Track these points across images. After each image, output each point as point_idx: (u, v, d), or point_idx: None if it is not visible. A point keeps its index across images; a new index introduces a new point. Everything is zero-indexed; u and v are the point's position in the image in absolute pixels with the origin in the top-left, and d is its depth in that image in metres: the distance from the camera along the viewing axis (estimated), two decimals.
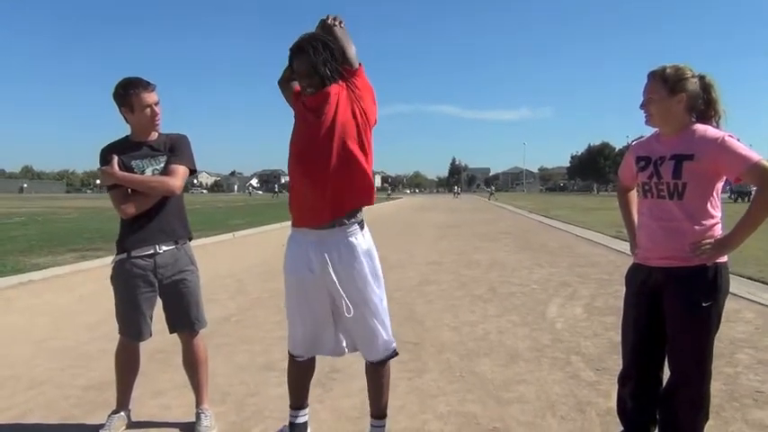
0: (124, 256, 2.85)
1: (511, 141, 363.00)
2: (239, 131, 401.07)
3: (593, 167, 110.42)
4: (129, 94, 2.80)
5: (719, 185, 2.34)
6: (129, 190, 2.81)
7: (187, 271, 2.95)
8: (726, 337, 4.39)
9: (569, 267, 8.62)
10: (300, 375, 2.72)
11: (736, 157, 2.22)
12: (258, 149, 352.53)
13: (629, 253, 2.70)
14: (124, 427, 2.95)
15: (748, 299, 5.92)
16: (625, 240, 3.66)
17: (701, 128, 2.33)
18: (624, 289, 2.63)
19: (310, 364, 2.72)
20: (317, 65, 2.40)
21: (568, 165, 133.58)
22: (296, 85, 2.65)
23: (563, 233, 15.34)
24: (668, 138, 2.39)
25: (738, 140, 2.26)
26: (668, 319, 2.37)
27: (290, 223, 2.63)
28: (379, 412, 2.67)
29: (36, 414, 3.18)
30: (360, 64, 2.54)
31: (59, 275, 8.02)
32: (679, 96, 2.31)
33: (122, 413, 2.97)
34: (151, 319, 2.93)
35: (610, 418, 2.94)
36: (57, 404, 3.32)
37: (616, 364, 3.14)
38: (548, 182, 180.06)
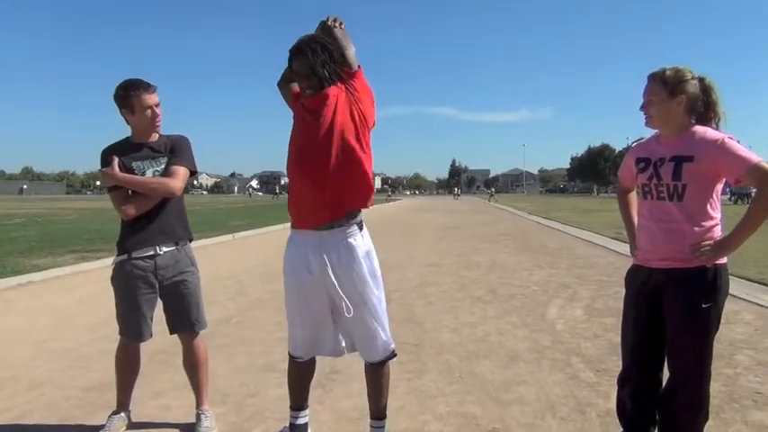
0: (125, 257, 2.86)
1: (511, 143, 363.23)
2: (239, 132, 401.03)
3: (593, 169, 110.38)
4: (129, 95, 2.81)
5: (719, 187, 2.35)
6: (130, 191, 2.82)
7: (187, 272, 2.95)
8: (725, 338, 4.40)
9: (569, 269, 8.63)
10: (301, 376, 2.72)
11: (736, 159, 2.22)
12: (258, 150, 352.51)
13: (629, 254, 2.71)
14: (124, 428, 2.95)
15: (748, 300, 5.93)
16: (624, 242, 3.67)
17: (700, 129, 2.34)
18: (624, 290, 2.63)
19: (310, 365, 2.73)
20: (315, 66, 2.40)
21: (568, 166, 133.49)
22: (295, 87, 2.65)
23: (563, 234, 15.34)
24: (668, 139, 2.39)
25: (738, 142, 2.27)
26: (668, 321, 2.38)
27: (289, 225, 2.64)
28: (378, 413, 2.68)
29: (36, 415, 3.19)
30: (359, 66, 2.54)
31: (59, 277, 8.03)
32: (679, 98, 2.31)
33: (123, 414, 2.98)
34: (151, 320, 2.94)
35: (609, 418, 2.95)
36: (57, 405, 3.32)
37: (616, 365, 3.15)
38: (548, 183, 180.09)
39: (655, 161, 2.40)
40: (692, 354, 2.34)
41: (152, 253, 2.85)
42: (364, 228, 2.57)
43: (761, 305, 5.75)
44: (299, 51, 2.43)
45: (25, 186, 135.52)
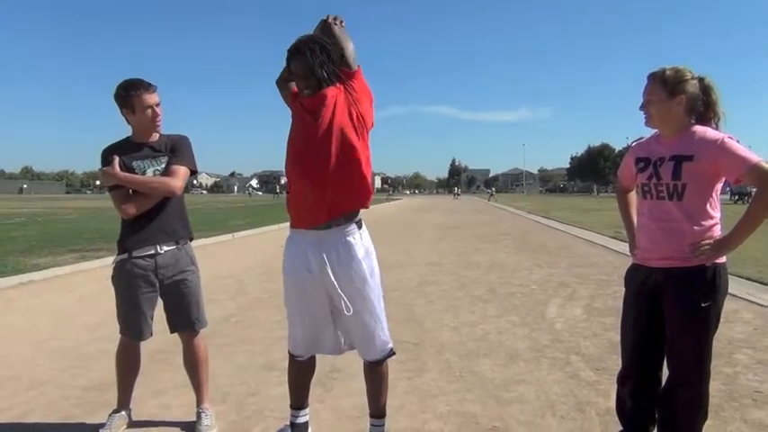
0: (125, 256, 2.86)
1: (510, 142, 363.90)
2: (239, 132, 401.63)
3: (593, 169, 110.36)
4: (130, 95, 2.81)
5: (719, 186, 2.36)
6: (131, 190, 2.82)
7: (188, 271, 2.96)
8: (724, 337, 4.41)
9: (568, 268, 8.63)
10: (301, 375, 2.73)
11: (736, 159, 2.23)
12: (258, 150, 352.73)
13: (628, 253, 2.71)
14: (125, 427, 2.96)
15: (747, 299, 5.94)
16: (624, 241, 3.68)
17: (700, 129, 2.34)
18: (623, 289, 2.64)
19: (310, 363, 2.73)
20: (313, 67, 2.40)
21: (568, 166, 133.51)
22: (294, 86, 2.66)
23: (562, 234, 15.35)
24: (668, 139, 2.40)
25: (738, 142, 2.27)
26: (667, 320, 2.38)
27: (288, 224, 2.64)
28: (378, 412, 2.68)
29: (36, 414, 3.19)
30: (358, 66, 2.53)
31: (60, 276, 8.03)
32: (679, 98, 2.32)
33: (123, 412, 2.98)
34: (152, 318, 2.94)
35: (609, 417, 2.95)
36: (57, 404, 3.33)
37: (615, 364, 3.15)
38: (547, 183, 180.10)
39: (654, 161, 2.40)
40: (691, 353, 2.35)
41: (152, 252, 2.86)
42: (363, 226, 2.58)
43: (760, 304, 5.75)
44: (298, 51, 2.43)
45: (25, 186, 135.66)
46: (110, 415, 2.95)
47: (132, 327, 2.91)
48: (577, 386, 3.55)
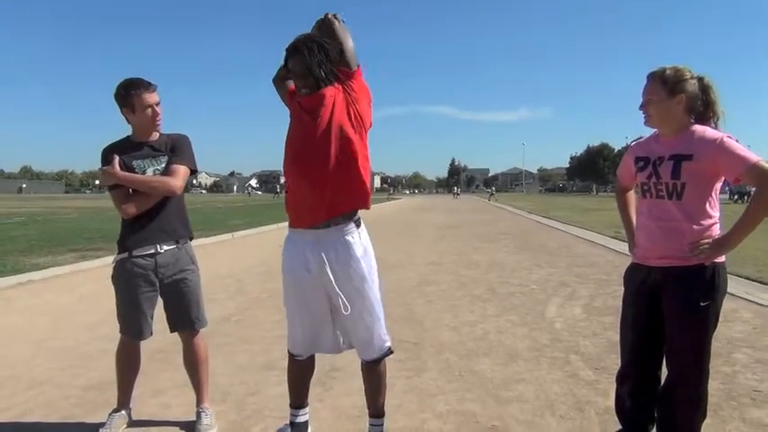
0: (125, 255, 2.87)
1: (510, 142, 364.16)
2: (238, 132, 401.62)
3: (593, 168, 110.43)
4: (130, 94, 2.81)
5: (718, 186, 2.36)
6: (131, 190, 2.82)
7: (188, 270, 2.96)
8: (724, 336, 4.41)
9: (568, 267, 8.64)
10: (300, 374, 2.73)
11: (735, 158, 2.23)
12: (257, 150, 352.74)
13: (628, 253, 2.72)
14: (125, 426, 2.96)
15: (746, 299, 5.94)
16: (623, 241, 3.68)
17: (699, 129, 2.34)
18: (623, 289, 2.64)
19: (310, 362, 2.73)
20: (311, 66, 2.39)
21: (567, 165, 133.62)
22: (291, 84, 2.66)
23: (562, 234, 15.35)
24: (667, 138, 2.40)
25: (737, 141, 2.28)
26: (667, 319, 2.38)
27: (287, 224, 2.64)
28: (376, 411, 2.68)
29: (36, 414, 3.19)
30: (358, 65, 2.52)
31: (59, 275, 8.03)
32: (678, 97, 2.32)
33: (123, 412, 2.98)
34: (152, 318, 2.94)
35: (608, 416, 2.96)
36: (57, 404, 3.33)
37: (614, 363, 3.16)
38: (547, 182, 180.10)
39: (654, 160, 2.41)
40: (690, 352, 2.35)
41: (152, 251, 2.86)
42: (362, 225, 2.58)
43: (759, 304, 5.76)
44: (296, 50, 2.42)
45: (24, 185, 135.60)
46: (110, 414, 2.95)
47: (132, 326, 2.91)
48: (577, 385, 3.55)
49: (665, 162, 2.35)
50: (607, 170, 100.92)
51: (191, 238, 3.07)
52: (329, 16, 2.50)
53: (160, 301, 2.95)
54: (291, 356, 2.70)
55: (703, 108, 2.39)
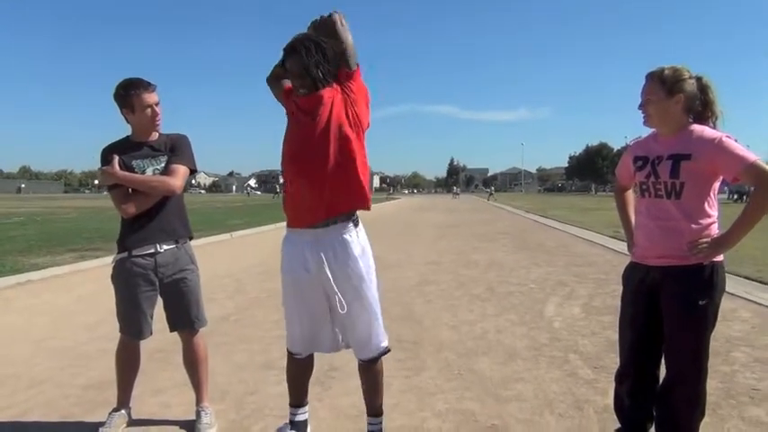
0: (125, 255, 2.87)
1: (509, 142, 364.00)
2: (237, 132, 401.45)
3: (592, 168, 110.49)
4: (129, 94, 2.81)
5: (717, 185, 2.37)
6: (130, 190, 2.83)
7: (187, 270, 2.96)
8: (722, 335, 4.42)
9: (567, 267, 8.65)
10: (299, 373, 2.73)
11: (733, 158, 2.24)
12: (256, 150, 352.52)
13: (627, 252, 2.72)
14: (125, 425, 2.96)
15: (745, 298, 5.95)
16: (622, 240, 3.70)
17: (698, 128, 2.35)
18: (621, 288, 2.65)
19: (309, 361, 2.74)
20: (308, 66, 2.39)
21: (566, 165, 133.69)
22: (286, 83, 2.65)
23: (560, 233, 15.36)
24: (666, 138, 2.41)
25: (736, 141, 2.29)
26: (665, 318, 2.39)
27: (285, 224, 2.65)
28: (374, 410, 2.68)
29: (36, 413, 3.20)
30: (357, 66, 2.51)
31: (58, 275, 8.03)
32: (677, 97, 2.33)
33: (123, 411, 2.99)
34: (152, 317, 2.95)
35: (607, 415, 2.96)
36: (57, 403, 3.33)
37: (613, 362, 3.16)
38: (546, 182, 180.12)
39: (652, 159, 2.42)
40: (689, 351, 2.36)
41: (152, 251, 2.86)
42: (360, 224, 2.58)
43: (758, 303, 5.77)
44: (293, 50, 2.42)
45: (23, 185, 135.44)
46: (109, 413, 2.95)
47: (132, 325, 2.92)
48: (575, 384, 3.56)
49: (663, 161, 2.36)
50: (606, 170, 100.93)
51: (190, 238, 3.07)
52: (334, 16, 2.47)
53: (160, 301, 2.96)
54: (290, 355, 2.70)
55: (702, 108, 2.39)
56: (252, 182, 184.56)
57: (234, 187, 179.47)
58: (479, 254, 10.52)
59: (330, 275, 2.46)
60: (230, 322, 5.31)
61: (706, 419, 2.48)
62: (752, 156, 2.23)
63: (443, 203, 46.44)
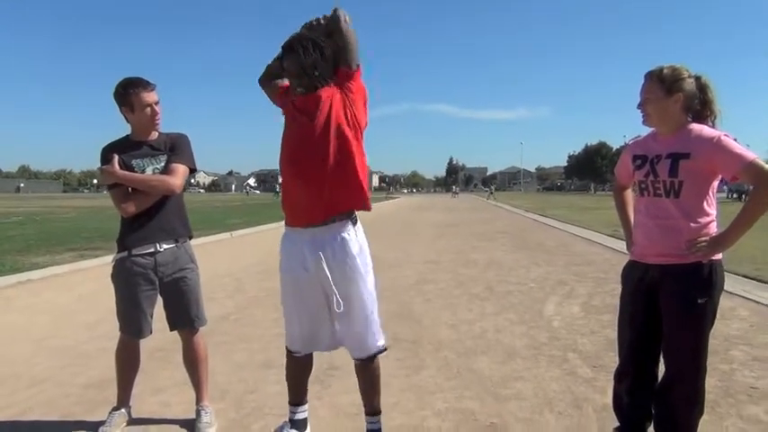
0: (125, 254, 2.87)
1: (508, 141, 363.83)
2: (237, 131, 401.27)
3: (591, 167, 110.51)
4: (129, 93, 2.82)
5: (715, 184, 2.37)
6: (130, 189, 2.83)
7: (187, 269, 2.97)
8: (721, 334, 4.43)
9: (566, 266, 8.65)
10: (299, 371, 2.74)
11: (732, 156, 2.25)
12: (255, 149, 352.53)
13: (626, 251, 2.73)
14: (125, 424, 2.97)
15: (744, 297, 5.96)
16: (621, 239, 3.70)
17: (697, 127, 2.36)
18: (620, 287, 2.65)
19: (308, 359, 2.74)
20: (306, 66, 2.39)
21: (566, 164, 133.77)
22: (279, 83, 2.65)
23: (560, 232, 15.37)
24: (665, 137, 2.41)
25: (735, 140, 2.29)
26: (664, 317, 2.40)
27: (284, 222, 2.65)
28: (372, 409, 2.68)
29: (36, 412, 3.20)
30: (358, 66, 2.49)
31: (58, 275, 8.03)
32: (676, 96, 2.33)
33: (123, 410, 2.99)
34: (151, 316, 2.95)
35: (606, 413, 2.97)
36: (57, 402, 3.33)
37: (612, 360, 3.17)
38: (545, 181, 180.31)
39: (651, 158, 2.42)
40: (688, 349, 2.37)
41: (152, 250, 2.87)
42: (358, 223, 2.58)
43: (757, 302, 5.78)
44: (291, 49, 2.41)
45: (22, 185, 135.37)
46: (110, 412, 2.96)
47: (132, 324, 2.92)
48: (575, 383, 3.57)
49: (662, 160, 2.37)
50: (605, 169, 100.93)
51: (190, 237, 3.07)
52: (339, 10, 2.43)
53: (160, 300, 2.96)
54: (289, 353, 2.71)
55: (700, 107, 2.40)
56: (251, 181, 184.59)
57: (233, 186, 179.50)
58: (478, 253, 10.52)
59: (329, 274, 2.46)
60: (230, 321, 5.32)
61: (704, 417, 2.49)
62: (750, 154, 2.24)
63: (442, 203, 46.43)
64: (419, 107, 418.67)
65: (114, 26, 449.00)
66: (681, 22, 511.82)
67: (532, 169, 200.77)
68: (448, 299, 6.27)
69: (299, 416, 2.75)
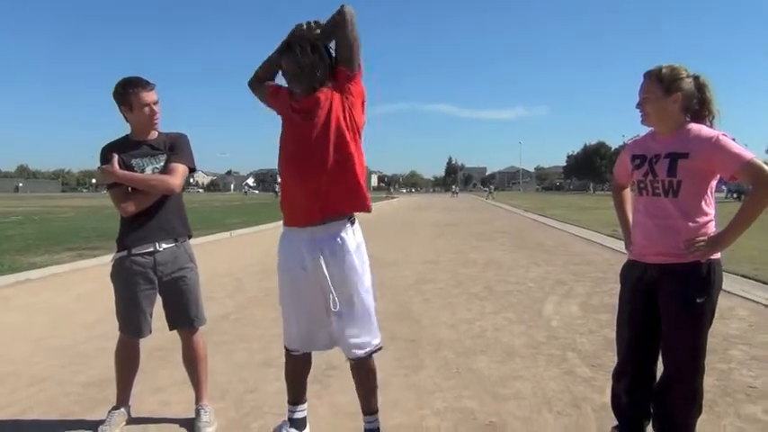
0: (124, 253, 2.88)
1: (507, 140, 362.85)
2: (236, 131, 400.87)
3: (590, 167, 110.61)
4: (128, 92, 2.82)
5: (713, 183, 2.38)
6: (130, 188, 2.83)
7: (186, 268, 2.97)
8: (719, 333, 4.44)
9: (565, 266, 8.66)
10: (298, 370, 2.74)
11: (730, 156, 2.25)
12: (254, 149, 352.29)
13: (624, 251, 2.74)
14: (124, 423, 2.97)
15: (742, 296, 5.97)
16: (620, 239, 3.71)
17: (695, 127, 2.36)
18: (619, 286, 2.66)
19: (307, 358, 2.74)
20: (304, 66, 2.38)
21: (565, 164, 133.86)
22: (271, 85, 2.64)
23: (559, 232, 15.38)
24: (664, 136, 2.42)
25: (734, 140, 2.30)
26: (663, 316, 2.40)
27: (282, 222, 2.65)
28: (369, 408, 2.67)
29: (36, 411, 3.20)
30: (359, 67, 2.47)
31: (57, 274, 8.03)
32: (674, 96, 2.34)
33: (122, 409, 3.00)
34: (151, 316, 2.96)
35: (604, 413, 2.98)
36: (57, 401, 3.34)
37: (611, 360, 3.18)
38: (544, 181, 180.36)
39: (650, 158, 2.43)
40: (686, 348, 2.37)
41: (151, 249, 2.87)
42: (356, 223, 2.58)
43: (755, 301, 5.79)
44: (289, 49, 2.40)
45: (21, 184, 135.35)
46: (109, 412, 2.96)
47: (131, 324, 2.92)
48: (573, 382, 3.57)
49: (661, 160, 2.38)
50: (604, 169, 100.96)
51: (189, 237, 3.08)
52: (347, 9, 2.37)
53: (159, 299, 2.96)
54: (288, 352, 2.71)
55: (699, 106, 2.41)
56: (250, 180, 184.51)
57: (232, 186, 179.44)
58: (478, 253, 10.53)
59: (326, 273, 2.46)
60: (230, 321, 5.32)
61: (703, 416, 2.50)
62: (748, 154, 2.25)
63: (441, 202, 46.43)
64: (419, 107, 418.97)
65: (114, 26, 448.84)
66: (680, 22, 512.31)
67: (531, 169, 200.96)
68: (447, 298, 6.28)
69: (299, 415, 2.76)
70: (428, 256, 10.16)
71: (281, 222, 2.66)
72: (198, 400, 3.05)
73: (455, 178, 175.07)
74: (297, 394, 2.77)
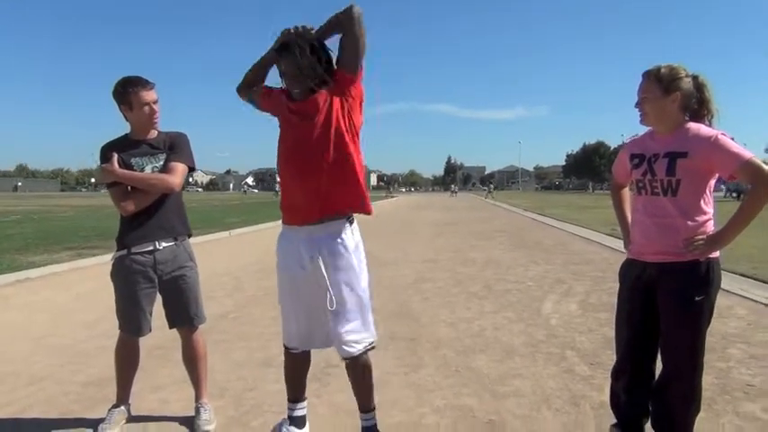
0: (124, 252, 2.88)
1: (506, 140, 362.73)
2: (235, 130, 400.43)
3: (589, 166, 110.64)
4: (128, 92, 2.83)
5: (712, 183, 2.39)
6: (129, 187, 2.84)
7: (186, 267, 2.98)
8: (718, 332, 4.45)
9: (564, 265, 8.67)
10: (297, 368, 2.75)
11: (729, 155, 2.26)
12: (253, 148, 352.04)
13: (623, 250, 2.74)
14: (124, 422, 2.98)
15: (741, 295, 5.98)
16: (619, 238, 3.71)
17: (694, 126, 2.37)
18: (618, 285, 2.67)
19: (306, 356, 2.75)
20: (302, 67, 2.38)
21: (564, 163, 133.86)
22: (263, 86, 2.64)
23: (558, 231, 15.38)
24: (662, 136, 2.43)
25: (732, 139, 2.31)
26: (662, 314, 2.41)
27: (281, 221, 2.66)
28: (365, 406, 2.67)
29: (36, 409, 3.21)
30: (360, 68, 2.46)
31: (56, 273, 8.03)
32: (673, 95, 2.35)
33: (122, 407, 3.00)
34: (151, 314, 2.96)
35: (603, 411, 2.99)
36: (57, 400, 3.34)
37: (610, 358, 3.19)
38: (543, 180, 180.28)
39: (649, 157, 2.44)
40: (685, 347, 2.38)
41: (151, 248, 2.88)
42: (354, 222, 2.59)
43: (754, 300, 5.80)
44: (287, 49, 2.39)
45: (20, 183, 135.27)
46: (109, 410, 2.97)
47: (131, 322, 2.93)
48: (572, 380, 3.58)
49: (660, 159, 2.38)
50: (603, 168, 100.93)
51: (189, 236, 3.08)
52: (355, 9, 2.33)
53: (159, 298, 2.97)
54: (287, 350, 2.71)
55: (698, 106, 2.41)
56: (249, 180, 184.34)
57: (231, 185, 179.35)
58: (477, 252, 10.53)
59: (324, 270, 2.46)
60: (229, 320, 5.33)
61: (701, 415, 2.51)
62: (747, 153, 2.25)
63: (441, 202, 46.42)
64: (418, 107, 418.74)
65: (114, 26, 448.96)
66: (680, 21, 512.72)
67: (531, 168, 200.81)
68: (446, 297, 6.28)
69: (298, 413, 2.77)
70: (427, 255, 10.17)
71: (279, 222, 2.66)
72: (197, 398, 3.06)
73: (454, 177, 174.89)
74: (296, 392, 2.77)
